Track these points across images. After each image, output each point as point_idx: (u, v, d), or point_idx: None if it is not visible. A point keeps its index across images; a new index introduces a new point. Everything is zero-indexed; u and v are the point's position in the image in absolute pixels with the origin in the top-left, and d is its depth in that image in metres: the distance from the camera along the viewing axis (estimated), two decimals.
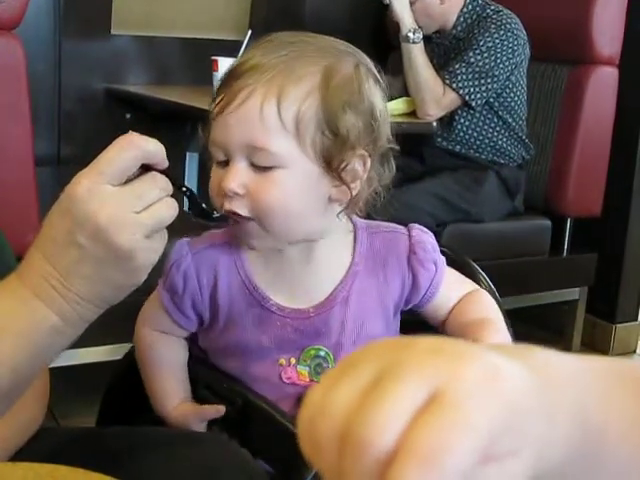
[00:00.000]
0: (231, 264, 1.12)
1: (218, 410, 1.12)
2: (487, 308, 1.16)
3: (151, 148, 0.82)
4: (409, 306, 1.16)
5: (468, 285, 1.19)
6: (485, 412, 0.35)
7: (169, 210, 0.82)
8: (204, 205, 0.94)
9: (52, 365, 2.29)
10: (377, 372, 0.37)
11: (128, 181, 0.80)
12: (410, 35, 2.82)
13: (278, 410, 1.09)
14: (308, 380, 1.12)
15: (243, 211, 1.01)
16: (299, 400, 1.12)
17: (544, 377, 0.41)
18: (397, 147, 1.09)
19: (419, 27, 2.86)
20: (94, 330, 2.42)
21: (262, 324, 1.11)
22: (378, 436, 0.35)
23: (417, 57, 2.83)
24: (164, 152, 0.83)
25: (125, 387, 1.32)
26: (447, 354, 0.37)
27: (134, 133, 0.83)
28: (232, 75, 1.02)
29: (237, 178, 1.00)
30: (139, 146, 0.81)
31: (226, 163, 1.02)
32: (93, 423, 1.35)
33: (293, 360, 1.12)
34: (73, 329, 0.83)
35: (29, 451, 1.00)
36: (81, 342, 2.38)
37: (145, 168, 0.82)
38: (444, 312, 1.16)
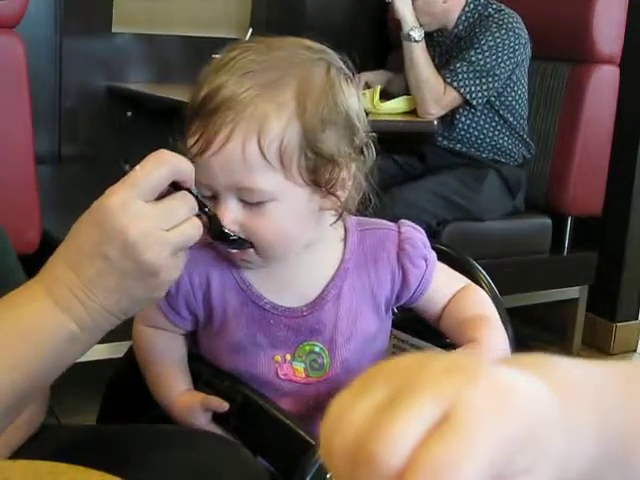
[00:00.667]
0: (223, 265, 1.11)
1: (221, 405, 1.12)
2: (482, 304, 1.16)
3: (184, 166, 0.83)
4: (401, 302, 1.17)
5: (461, 281, 1.19)
6: (495, 433, 0.36)
7: (195, 230, 0.84)
8: (225, 229, 0.96)
9: None
10: (392, 391, 0.38)
11: (159, 197, 0.82)
12: (412, 33, 2.82)
13: (278, 408, 1.09)
14: (304, 376, 1.13)
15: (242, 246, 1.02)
16: (297, 397, 1.13)
17: (561, 387, 0.41)
18: (373, 134, 1.08)
19: (420, 25, 2.86)
20: None
21: (256, 322, 1.11)
22: (389, 454, 0.36)
23: (418, 55, 2.83)
24: (193, 171, 0.84)
25: (126, 385, 1.32)
26: (460, 373, 0.38)
27: (165, 150, 0.84)
28: (206, 109, 0.98)
29: (230, 216, 0.99)
30: (172, 163, 0.82)
31: (213, 198, 1.00)
32: (94, 421, 1.35)
33: (288, 357, 1.12)
34: (90, 337, 0.84)
35: (30, 449, 1.01)
36: None
37: (173, 186, 0.83)
38: (438, 308, 1.17)
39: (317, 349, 1.12)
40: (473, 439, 0.35)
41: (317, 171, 1.00)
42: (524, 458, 0.37)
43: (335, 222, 1.09)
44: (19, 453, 0.99)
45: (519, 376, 0.38)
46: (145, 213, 0.79)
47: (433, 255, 1.16)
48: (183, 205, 0.82)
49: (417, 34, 2.82)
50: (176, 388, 1.16)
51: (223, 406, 1.12)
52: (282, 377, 1.13)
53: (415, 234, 1.15)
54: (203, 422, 1.13)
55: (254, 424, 1.10)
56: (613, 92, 3.05)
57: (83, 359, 2.30)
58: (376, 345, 1.17)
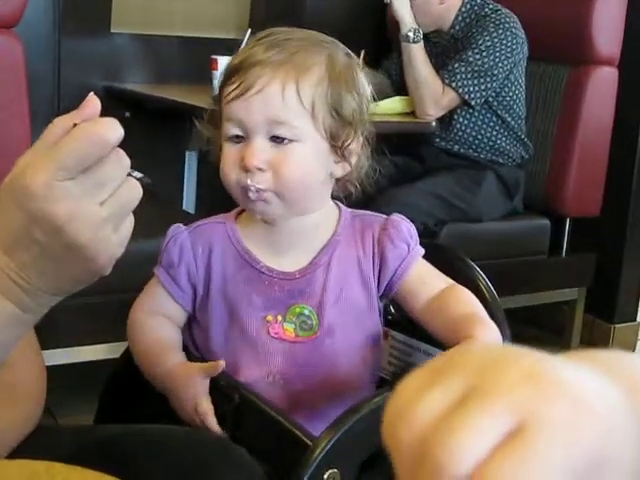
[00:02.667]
0: (224, 236, 1.23)
1: (219, 365, 1.15)
2: (471, 302, 1.20)
3: (114, 139, 0.74)
4: (383, 285, 1.24)
5: (445, 281, 1.24)
6: (569, 453, 0.34)
7: (132, 192, 0.76)
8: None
9: (51, 363, 2.29)
10: (466, 389, 0.36)
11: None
12: (410, 34, 2.82)
13: (275, 408, 1.09)
14: (294, 336, 1.20)
15: (265, 185, 1.13)
16: (286, 356, 1.20)
17: (631, 385, 0.39)
18: (373, 129, 1.22)
19: (418, 26, 2.86)
20: (93, 328, 2.43)
21: (252, 283, 1.21)
22: (455, 464, 0.34)
23: (417, 56, 2.83)
24: (122, 136, 0.76)
25: (123, 385, 1.32)
26: (539, 382, 0.35)
27: (98, 119, 0.76)
28: (242, 66, 1.14)
29: (259, 155, 1.12)
30: (103, 137, 0.74)
31: (240, 139, 1.14)
32: (91, 421, 1.35)
33: (280, 317, 1.21)
34: (33, 316, 0.80)
35: (26, 449, 1.00)
36: (79, 340, 2.39)
37: None
38: (420, 301, 1.22)
39: (307, 312, 1.21)
40: (545, 458, 0.33)
41: (336, 130, 1.16)
42: (598, 475, 0.35)
43: (334, 193, 1.22)
44: (16, 453, 0.98)
45: (593, 383, 0.36)
46: (71, 193, 0.71)
47: (419, 249, 1.25)
48: (113, 169, 0.74)
49: (415, 35, 2.82)
50: (171, 360, 1.18)
51: (220, 364, 1.15)
52: (273, 335, 1.20)
53: (401, 222, 1.25)
54: (200, 391, 1.14)
55: (251, 424, 1.10)
56: (612, 94, 3.05)
57: (81, 360, 2.30)
58: (367, 324, 1.24)
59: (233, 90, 1.14)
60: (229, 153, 1.16)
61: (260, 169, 1.12)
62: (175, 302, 1.23)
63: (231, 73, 1.15)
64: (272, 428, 1.08)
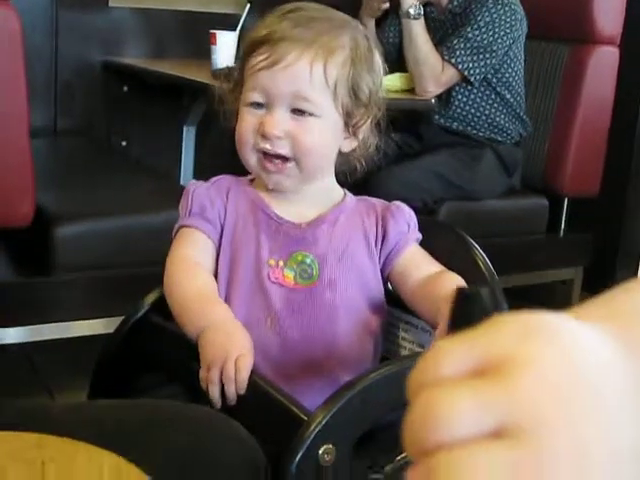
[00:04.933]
0: (240, 187, 1.30)
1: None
2: (456, 282, 1.21)
3: None
4: (383, 259, 1.28)
5: (438, 266, 1.27)
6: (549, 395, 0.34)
7: None
8: None
9: (47, 337, 2.30)
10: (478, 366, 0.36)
11: None
12: (411, 11, 2.80)
13: (270, 383, 1.09)
14: (293, 283, 1.24)
15: (284, 151, 1.20)
16: (284, 302, 1.23)
17: (629, 340, 0.39)
18: (384, 110, 1.29)
19: None
20: (90, 303, 2.43)
21: (260, 225, 1.26)
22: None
23: (418, 33, 2.81)
24: None
25: (116, 360, 1.31)
26: (532, 333, 0.36)
27: None
28: (270, 39, 1.19)
29: (280, 124, 1.19)
30: None
31: (261, 106, 1.21)
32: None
33: (281, 263, 1.25)
34: None
35: (19, 424, 1.00)
36: (77, 315, 2.38)
37: None
38: (411, 282, 1.26)
39: (308, 260, 1.25)
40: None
41: (351, 111, 1.23)
42: (587, 422, 0.35)
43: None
44: (9, 429, 0.98)
45: (587, 337, 0.37)
46: None
47: (417, 232, 1.30)
48: None
49: (416, 11, 2.80)
50: (221, 309, 1.18)
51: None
52: (273, 280, 1.24)
53: (404, 206, 1.31)
54: (250, 346, 1.12)
55: (246, 399, 1.10)
56: (612, 73, 3.04)
57: (78, 334, 2.30)
58: (370, 287, 1.27)
59: (261, 61, 1.20)
60: (248, 118, 1.22)
61: (279, 137, 1.19)
62: (212, 242, 1.26)
63: (257, 44, 1.21)
64: (267, 403, 1.08)
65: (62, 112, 3.18)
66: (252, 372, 1.10)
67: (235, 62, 1.24)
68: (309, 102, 1.20)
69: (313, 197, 1.29)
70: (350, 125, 1.25)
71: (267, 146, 1.20)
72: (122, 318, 1.32)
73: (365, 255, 1.27)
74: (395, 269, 1.28)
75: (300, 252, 1.25)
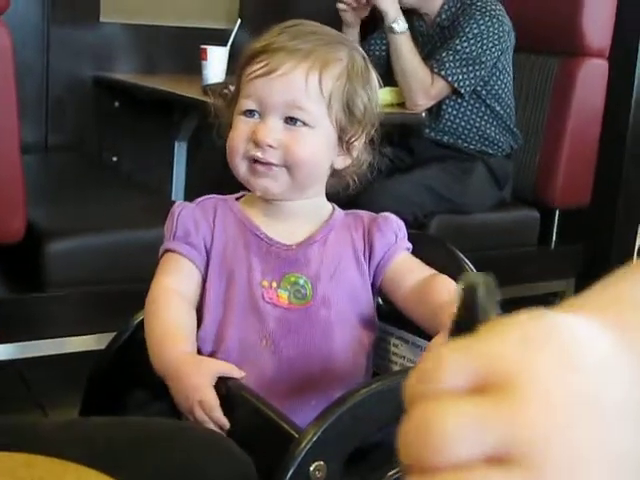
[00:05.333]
0: (226, 208, 1.28)
1: (239, 372, 1.14)
2: (452, 290, 1.19)
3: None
4: (372, 271, 1.28)
5: (430, 270, 1.27)
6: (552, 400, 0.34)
7: None
8: None
9: (40, 354, 2.29)
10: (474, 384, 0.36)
11: None
12: (395, 26, 2.80)
13: (262, 400, 1.09)
14: (287, 303, 1.23)
15: (276, 160, 1.20)
16: (280, 322, 1.22)
17: (625, 327, 0.39)
18: (379, 134, 1.29)
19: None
20: (82, 319, 2.42)
21: (251, 247, 1.25)
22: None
23: (404, 46, 2.81)
24: None
25: (108, 377, 1.31)
26: (529, 335, 0.36)
27: None
28: (269, 49, 1.20)
29: (273, 133, 1.19)
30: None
31: (254, 114, 1.21)
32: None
33: (274, 284, 1.24)
34: None
35: (9, 443, 0.99)
36: (69, 331, 2.38)
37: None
38: (404, 289, 1.25)
39: (301, 281, 1.24)
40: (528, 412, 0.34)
41: (345, 127, 1.23)
42: (594, 419, 0.35)
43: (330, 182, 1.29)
44: (4, 448, 0.98)
45: (583, 332, 0.37)
46: None
47: (406, 242, 1.30)
48: None
49: (401, 26, 2.80)
50: (181, 347, 1.16)
51: (240, 373, 1.14)
52: (267, 300, 1.23)
53: (391, 215, 1.32)
54: (207, 383, 1.11)
55: (237, 416, 1.10)
56: (602, 85, 3.06)
57: (70, 350, 2.30)
58: (361, 303, 1.27)
59: (258, 69, 1.20)
60: (241, 126, 1.22)
61: (271, 146, 1.19)
62: (197, 269, 1.25)
63: (255, 54, 1.22)
64: (258, 420, 1.08)
65: (53, 128, 3.18)
66: (243, 389, 1.10)
67: (227, 77, 1.26)
68: (303, 111, 1.20)
69: (303, 215, 1.28)
70: (344, 141, 1.25)
71: (258, 154, 1.20)
72: (114, 334, 1.32)
73: (355, 271, 1.27)
74: (386, 278, 1.28)
75: (293, 274, 1.24)
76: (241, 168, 1.23)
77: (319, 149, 1.23)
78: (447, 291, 1.20)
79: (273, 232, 1.26)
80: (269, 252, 1.25)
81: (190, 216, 1.26)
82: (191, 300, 1.24)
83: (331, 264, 1.25)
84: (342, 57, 1.24)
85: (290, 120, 1.20)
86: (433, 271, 1.26)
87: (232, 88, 1.29)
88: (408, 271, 1.27)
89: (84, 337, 2.23)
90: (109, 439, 1.01)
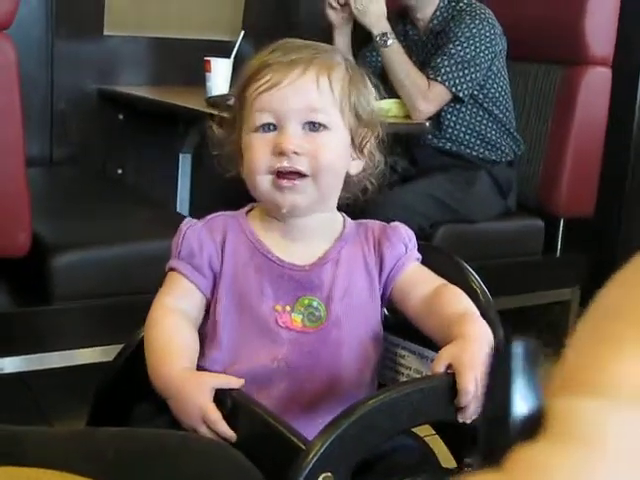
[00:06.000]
0: (237, 227, 1.25)
1: (238, 381, 1.13)
2: (460, 300, 1.22)
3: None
4: (382, 283, 1.27)
5: (440, 280, 1.27)
6: None
7: None
8: None
9: (46, 367, 2.29)
10: None
11: None
12: (384, 39, 2.82)
13: (269, 412, 1.09)
14: (301, 326, 1.22)
15: (303, 167, 1.17)
16: (293, 345, 1.20)
17: None
18: (385, 131, 1.28)
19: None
20: (88, 331, 2.43)
21: (263, 271, 1.22)
22: None
23: (395, 56, 2.83)
24: None
25: (115, 389, 1.31)
26: None
27: None
28: (269, 63, 1.19)
29: (295, 140, 1.16)
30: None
31: (271, 127, 1.18)
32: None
33: (288, 307, 1.22)
34: None
35: (18, 455, 1.00)
36: (75, 343, 2.39)
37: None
38: (414, 301, 1.24)
39: (315, 303, 1.22)
40: None
41: (355, 130, 1.22)
42: None
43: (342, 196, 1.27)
44: (6, 458, 0.98)
45: None
46: None
47: (416, 253, 1.29)
48: None
49: (389, 38, 2.82)
50: (180, 364, 1.15)
51: (239, 381, 1.13)
52: (281, 324, 1.21)
53: (401, 225, 1.30)
54: (208, 399, 1.10)
55: (244, 428, 1.10)
56: (605, 94, 3.05)
57: (77, 362, 2.30)
58: (370, 317, 1.26)
59: (264, 84, 1.18)
60: (259, 141, 1.18)
61: (296, 153, 1.16)
62: (199, 292, 1.23)
63: (255, 72, 1.20)
64: (265, 432, 1.08)
65: (58, 141, 3.19)
66: (249, 401, 1.10)
67: (231, 88, 1.25)
68: (321, 113, 1.18)
69: (315, 231, 1.26)
70: (356, 145, 1.24)
71: (284, 164, 1.16)
72: (120, 346, 1.32)
73: (366, 286, 1.26)
74: (395, 289, 1.26)
75: (306, 296, 1.22)
76: (264, 185, 1.19)
77: (341, 153, 1.21)
78: (456, 302, 1.20)
79: (285, 253, 1.24)
80: (282, 275, 1.22)
81: (196, 237, 1.23)
82: (191, 318, 1.22)
83: (343, 283, 1.24)
84: (340, 61, 1.23)
85: (310, 125, 1.18)
86: (443, 281, 1.26)
87: (231, 101, 1.27)
88: (418, 282, 1.26)
89: (90, 350, 2.23)
90: (118, 451, 1.01)
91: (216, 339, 1.22)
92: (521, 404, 0.36)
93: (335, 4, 2.94)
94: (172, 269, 1.24)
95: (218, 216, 1.27)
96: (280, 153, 1.16)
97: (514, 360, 0.35)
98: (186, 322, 1.21)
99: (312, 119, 1.18)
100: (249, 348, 1.20)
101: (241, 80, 1.23)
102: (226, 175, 1.27)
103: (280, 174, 1.17)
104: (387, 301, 1.29)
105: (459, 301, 1.21)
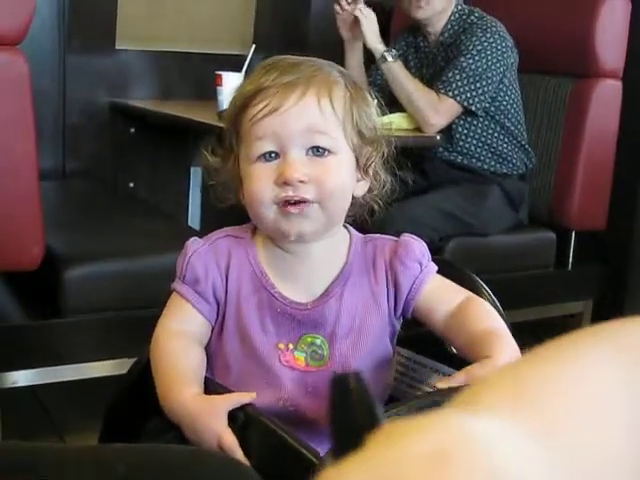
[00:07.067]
0: (242, 253, 1.20)
1: (250, 395, 1.11)
2: (490, 317, 1.19)
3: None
4: (400, 307, 1.22)
5: (462, 292, 1.23)
6: None
7: None
8: None
9: (58, 380, 2.30)
10: None
11: None
12: (386, 55, 2.84)
13: (281, 426, 1.08)
14: (304, 365, 1.19)
15: (310, 194, 1.10)
16: (296, 383, 1.18)
17: (549, 431, 0.35)
18: (390, 148, 1.22)
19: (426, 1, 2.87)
20: (99, 345, 2.43)
21: (265, 307, 1.19)
22: None
23: (399, 74, 2.85)
24: None
25: (128, 402, 1.31)
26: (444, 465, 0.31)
27: None
28: (264, 87, 1.11)
29: (300, 167, 1.10)
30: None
31: (273, 156, 1.11)
32: (98, 438, 1.34)
33: (291, 346, 1.19)
34: None
35: (32, 471, 1.00)
36: (86, 357, 2.39)
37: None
38: (440, 317, 1.20)
39: (318, 342, 1.19)
40: None
41: (359, 150, 1.16)
42: None
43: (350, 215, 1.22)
44: (17, 473, 0.98)
45: (504, 448, 0.32)
46: None
47: (432, 265, 1.23)
48: None
49: (392, 54, 2.84)
50: (188, 390, 1.12)
51: (250, 395, 1.11)
52: (284, 363, 1.18)
53: (412, 242, 1.23)
54: (223, 425, 1.08)
55: (256, 442, 1.09)
56: (616, 106, 3.05)
57: (88, 376, 2.31)
58: (379, 350, 1.22)
59: (263, 108, 1.11)
60: (261, 172, 1.12)
61: (302, 181, 1.10)
62: (203, 318, 1.20)
63: (251, 97, 1.12)
64: (278, 446, 1.07)
65: (70, 154, 3.21)
66: (261, 415, 1.10)
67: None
68: (325, 135, 1.11)
69: (320, 261, 1.20)
70: (360, 166, 1.18)
71: (290, 193, 1.10)
72: (132, 359, 1.32)
73: (372, 317, 1.21)
74: (417, 308, 1.21)
75: (309, 334, 1.19)
76: (269, 215, 1.13)
77: (347, 177, 1.15)
78: (483, 318, 1.17)
79: (288, 288, 1.19)
80: (284, 313, 1.18)
81: (201, 262, 1.19)
82: (196, 338, 1.20)
83: (348, 319, 1.19)
84: (338, 78, 1.16)
85: (314, 150, 1.11)
86: (466, 292, 1.22)
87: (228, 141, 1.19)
88: (440, 297, 1.21)
89: (102, 363, 2.24)
90: (130, 466, 1.01)
91: (225, 365, 1.20)
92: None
93: (345, 4, 2.96)
94: (177, 291, 1.21)
95: (224, 237, 1.22)
96: (285, 182, 1.10)
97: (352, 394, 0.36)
98: (191, 342, 1.19)
99: (316, 143, 1.11)
100: (254, 385, 1.16)
101: (235, 106, 1.16)
102: (224, 204, 1.21)
103: (286, 202, 1.11)
104: (409, 320, 1.25)
105: (486, 317, 1.18)
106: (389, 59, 2.84)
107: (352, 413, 0.36)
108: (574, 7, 3.04)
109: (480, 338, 1.13)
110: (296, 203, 1.11)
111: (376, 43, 2.88)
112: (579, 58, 3.01)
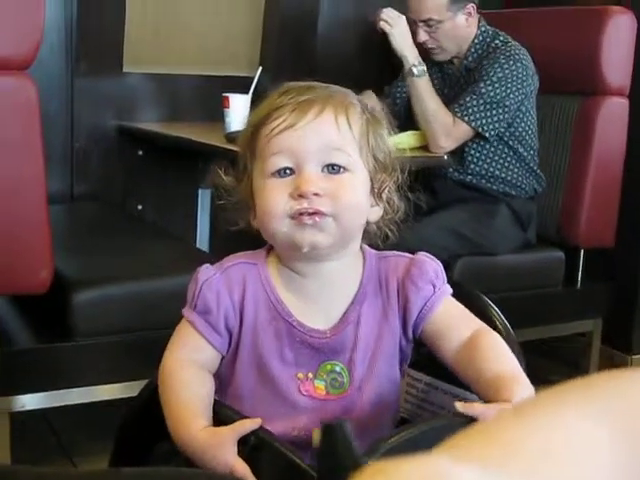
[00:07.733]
0: (257, 279, 1.18)
1: (254, 422, 1.09)
2: (505, 356, 1.15)
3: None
4: (409, 328, 1.20)
5: (476, 322, 1.20)
6: None
7: None
8: None
9: (67, 403, 2.29)
10: None
11: None
12: (414, 70, 2.83)
13: (294, 451, 1.08)
14: (324, 393, 1.17)
15: (324, 207, 1.09)
16: (315, 413, 1.16)
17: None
18: (403, 174, 1.21)
19: (440, 49, 2.88)
20: (109, 368, 2.43)
21: (283, 337, 1.17)
22: None
23: (424, 90, 2.84)
24: None
25: (139, 425, 1.31)
26: None
27: None
28: (281, 105, 1.12)
29: (315, 182, 1.09)
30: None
31: (289, 172, 1.11)
32: (107, 461, 1.34)
33: (310, 375, 1.17)
34: None
35: None
36: (96, 380, 2.39)
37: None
38: (451, 345, 1.18)
39: (338, 369, 1.18)
40: None
41: (374, 175, 1.16)
42: None
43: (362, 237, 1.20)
44: None
45: None
46: None
47: (446, 288, 1.21)
48: None
49: (420, 69, 2.83)
50: (197, 422, 1.11)
51: (256, 422, 1.09)
52: (304, 393, 1.17)
53: (427, 262, 1.21)
54: (233, 456, 1.07)
55: (267, 466, 1.09)
56: (623, 124, 3.05)
57: (98, 399, 2.30)
58: (392, 371, 1.21)
59: (280, 124, 1.11)
60: (276, 186, 1.11)
61: (317, 194, 1.09)
62: (213, 348, 1.18)
63: (268, 114, 1.13)
64: (290, 470, 1.07)
65: (78, 177, 3.22)
66: (270, 438, 1.09)
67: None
68: (342, 152, 1.11)
69: (335, 284, 1.19)
70: (375, 191, 1.17)
71: (304, 205, 1.09)
72: (141, 382, 1.31)
73: (388, 343, 1.20)
74: (426, 330, 1.19)
75: (329, 361, 1.18)
76: (282, 228, 1.11)
77: (362, 195, 1.14)
78: (497, 357, 1.15)
79: (305, 314, 1.18)
80: (302, 341, 1.17)
81: (213, 292, 1.17)
82: (205, 368, 1.18)
83: (365, 344, 1.18)
84: (354, 101, 1.16)
85: (330, 168, 1.11)
86: (479, 323, 1.20)
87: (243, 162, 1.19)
88: (452, 325, 1.19)
89: (112, 386, 2.23)
90: None
91: (238, 395, 1.19)
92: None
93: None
94: (187, 320, 1.19)
95: (237, 264, 1.20)
96: (299, 195, 1.09)
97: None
98: (200, 371, 1.17)
99: (332, 161, 1.11)
100: (269, 414, 1.14)
101: (250, 127, 1.16)
102: (233, 228, 1.21)
103: (300, 214, 1.10)
104: (417, 341, 1.23)
105: (502, 355, 1.15)
106: (416, 73, 2.83)
107: (338, 457, 0.37)
108: (580, 25, 3.04)
109: (496, 381, 1.10)
110: (310, 214, 1.09)
111: (404, 50, 2.84)
112: (585, 76, 3.02)
